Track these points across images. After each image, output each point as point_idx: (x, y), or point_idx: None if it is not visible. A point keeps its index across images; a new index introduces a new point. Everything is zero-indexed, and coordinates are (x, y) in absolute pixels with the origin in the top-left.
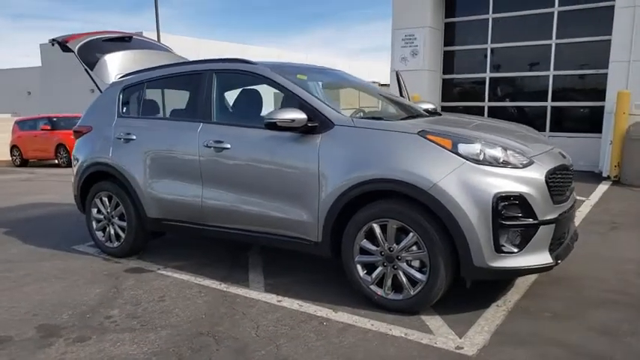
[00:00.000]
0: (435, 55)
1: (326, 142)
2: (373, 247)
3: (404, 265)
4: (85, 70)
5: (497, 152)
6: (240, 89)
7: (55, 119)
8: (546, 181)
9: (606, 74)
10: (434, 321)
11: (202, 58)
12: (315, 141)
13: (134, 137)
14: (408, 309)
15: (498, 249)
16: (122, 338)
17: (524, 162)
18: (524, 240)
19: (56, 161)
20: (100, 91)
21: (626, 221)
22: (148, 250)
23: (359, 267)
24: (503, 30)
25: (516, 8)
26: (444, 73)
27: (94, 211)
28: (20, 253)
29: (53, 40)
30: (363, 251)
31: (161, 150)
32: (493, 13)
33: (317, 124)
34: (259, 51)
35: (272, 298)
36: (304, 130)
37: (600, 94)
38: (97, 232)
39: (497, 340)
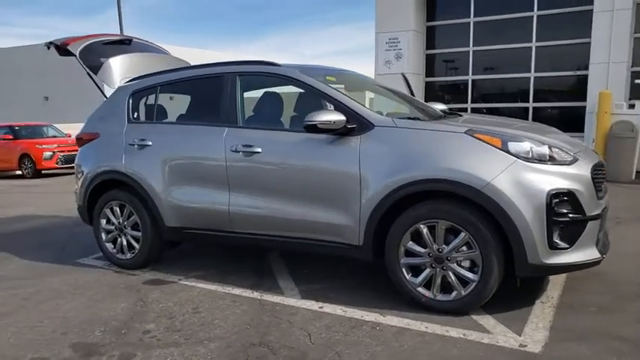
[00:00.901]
0: (419, 58)
1: (366, 143)
2: (420, 249)
3: (454, 265)
4: (88, 74)
5: (545, 150)
6: (264, 92)
7: (17, 128)
8: (592, 177)
9: (586, 75)
10: (486, 320)
11: (218, 61)
12: (354, 143)
13: (150, 143)
14: (459, 309)
15: (552, 246)
16: (170, 353)
17: (570, 159)
18: (574, 236)
19: (20, 172)
20: (105, 96)
21: (628, 216)
22: (160, 261)
23: (404, 269)
24: (484, 33)
25: (497, 12)
26: (427, 76)
27: (103, 221)
28: (20, 268)
29: (50, 43)
30: (409, 253)
31: (181, 156)
32: (474, 16)
33: (355, 125)
34: (216, 55)
35: (312, 305)
36: (342, 132)
37: (580, 95)
38: (106, 244)
39: (557, 337)
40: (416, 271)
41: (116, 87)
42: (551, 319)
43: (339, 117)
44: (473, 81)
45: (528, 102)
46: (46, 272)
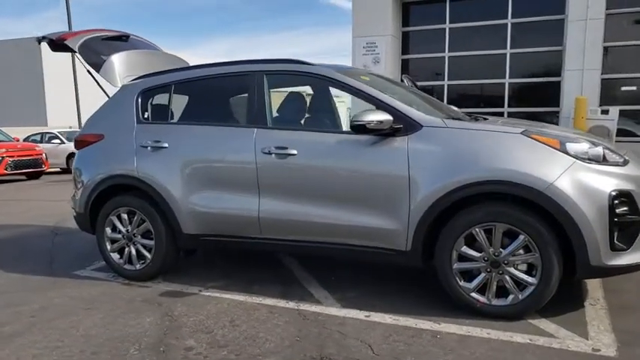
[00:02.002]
0: (395, 63)
1: (415, 144)
2: (475, 253)
3: (511, 269)
4: (88, 71)
5: (600, 150)
6: (289, 92)
7: None
8: None
9: (559, 82)
10: (545, 324)
11: (241, 59)
12: (402, 144)
13: (165, 145)
14: (515, 314)
15: (613, 247)
16: None
17: (621, 160)
18: (633, 236)
19: None
20: (107, 95)
21: None
22: (168, 271)
23: (457, 275)
24: (460, 39)
25: (472, 19)
26: (403, 80)
27: (109, 230)
28: (11, 283)
29: (42, 37)
30: (463, 258)
31: (204, 159)
32: (450, 23)
33: (401, 125)
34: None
35: (357, 314)
36: (388, 133)
37: (553, 101)
38: (112, 254)
39: (625, 340)
40: (468, 275)
41: (119, 85)
42: (609, 321)
43: (387, 117)
44: (448, 86)
45: (503, 107)
46: (43, 286)
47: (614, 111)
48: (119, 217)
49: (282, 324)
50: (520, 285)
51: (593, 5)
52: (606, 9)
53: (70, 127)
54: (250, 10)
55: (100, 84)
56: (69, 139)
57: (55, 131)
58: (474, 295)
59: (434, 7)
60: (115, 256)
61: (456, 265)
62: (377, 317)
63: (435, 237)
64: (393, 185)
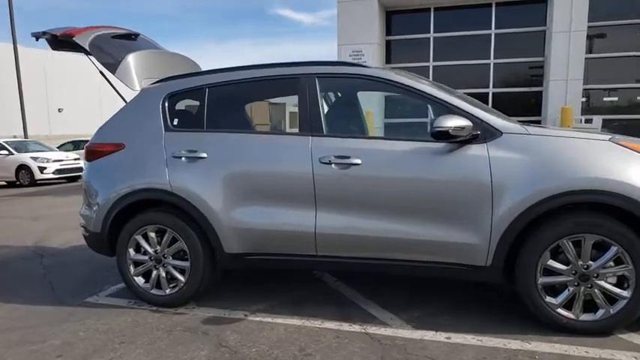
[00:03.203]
0: None
1: (497, 152)
2: (562, 267)
3: (602, 282)
4: (101, 72)
5: None
6: (339, 97)
7: None
8: None
9: (540, 92)
10: (637, 338)
11: (287, 62)
12: (481, 152)
13: (204, 155)
14: (604, 329)
15: None
16: None
17: None
18: None
19: None
20: (124, 100)
21: None
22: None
23: (541, 290)
24: (444, 49)
25: (456, 29)
26: None
27: (132, 251)
28: (18, 316)
29: (43, 32)
30: (548, 272)
31: (250, 170)
32: (434, 32)
33: (478, 132)
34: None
35: (435, 336)
36: (465, 140)
37: (535, 110)
38: (135, 278)
39: None
40: (553, 290)
41: (137, 89)
42: None
43: (468, 123)
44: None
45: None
46: (59, 318)
47: (598, 120)
48: (145, 237)
49: (359, 351)
50: (611, 299)
51: (577, 18)
52: (588, 22)
53: (15, 137)
54: (189, 18)
55: (115, 86)
56: (17, 150)
57: (1, 141)
58: (559, 310)
59: (418, 16)
60: (140, 280)
61: (541, 280)
62: (458, 338)
63: (516, 250)
64: (474, 196)
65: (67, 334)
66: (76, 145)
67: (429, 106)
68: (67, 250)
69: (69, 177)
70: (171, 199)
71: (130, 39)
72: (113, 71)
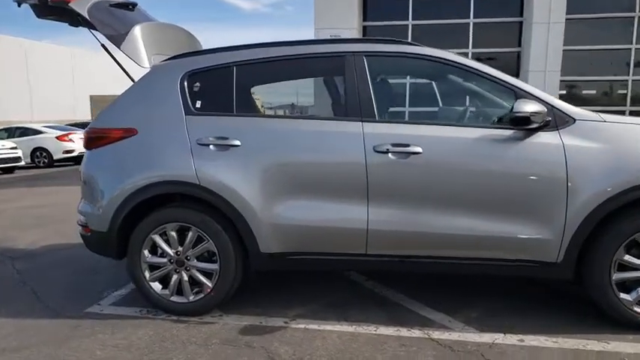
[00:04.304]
0: None
1: (571, 140)
2: (638, 262)
3: None
4: (102, 46)
5: None
6: (381, 78)
7: None
8: None
9: None
10: None
11: (328, 38)
12: (553, 140)
13: (237, 143)
14: None
15: None
16: None
17: None
18: None
19: None
20: (132, 79)
21: None
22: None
23: (615, 287)
24: (423, 37)
25: (435, 17)
26: None
27: (147, 253)
28: (2, 333)
29: None
30: (623, 267)
31: (294, 160)
32: (413, 20)
33: (550, 118)
34: (52, 48)
35: (506, 338)
36: (537, 128)
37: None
38: (151, 284)
39: None
40: (623, 287)
41: (147, 66)
42: None
43: (542, 108)
44: (410, 84)
45: (465, 106)
46: (64, 334)
47: None
48: (164, 236)
49: (432, 359)
50: None
51: (556, 9)
52: (567, 14)
53: None
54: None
55: (119, 62)
56: None
57: None
58: (635, 308)
59: (397, 3)
60: (157, 286)
61: (615, 276)
62: (532, 341)
63: (584, 246)
64: (548, 188)
65: (81, 352)
66: (10, 132)
67: (479, 92)
68: (38, 251)
69: (4, 168)
70: (200, 192)
71: (127, 9)
72: (118, 45)
